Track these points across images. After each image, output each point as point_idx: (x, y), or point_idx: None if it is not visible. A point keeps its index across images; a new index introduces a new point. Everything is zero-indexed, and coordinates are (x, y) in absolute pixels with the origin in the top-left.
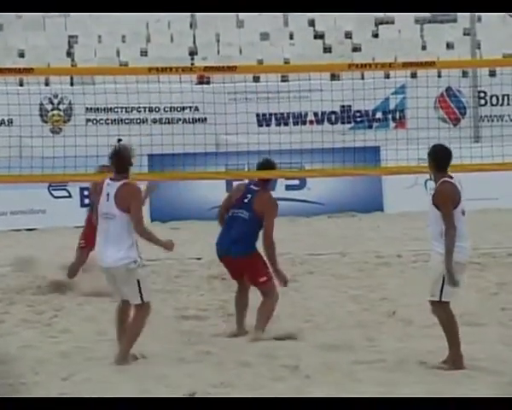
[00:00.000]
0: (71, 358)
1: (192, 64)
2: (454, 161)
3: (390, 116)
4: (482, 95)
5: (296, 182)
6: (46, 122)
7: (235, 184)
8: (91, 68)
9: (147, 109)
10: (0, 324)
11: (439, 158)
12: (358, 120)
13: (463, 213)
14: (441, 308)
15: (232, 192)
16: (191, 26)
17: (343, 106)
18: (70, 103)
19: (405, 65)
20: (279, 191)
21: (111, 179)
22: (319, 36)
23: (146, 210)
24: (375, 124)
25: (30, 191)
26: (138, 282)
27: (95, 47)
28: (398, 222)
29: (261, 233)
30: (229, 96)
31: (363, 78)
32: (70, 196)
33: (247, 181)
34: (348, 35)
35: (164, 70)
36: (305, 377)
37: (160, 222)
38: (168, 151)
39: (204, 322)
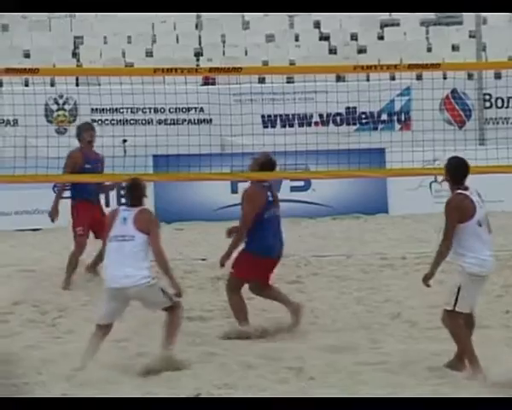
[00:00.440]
0: (74, 358)
1: (197, 65)
2: None
3: (395, 118)
4: (487, 97)
5: (301, 183)
6: (51, 122)
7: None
8: (97, 69)
9: (152, 110)
10: (4, 324)
11: (455, 171)
12: (364, 121)
13: (480, 224)
14: (450, 318)
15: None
16: (197, 27)
17: (348, 107)
18: (75, 104)
19: (411, 67)
20: (284, 193)
21: (126, 206)
22: (325, 38)
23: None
24: (380, 126)
25: (35, 192)
26: (162, 289)
27: (100, 48)
28: (402, 224)
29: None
30: (235, 97)
31: (368, 79)
32: None
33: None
34: (354, 37)
35: (169, 71)
36: (309, 378)
37: (164, 223)
38: (173, 152)
39: (208, 323)
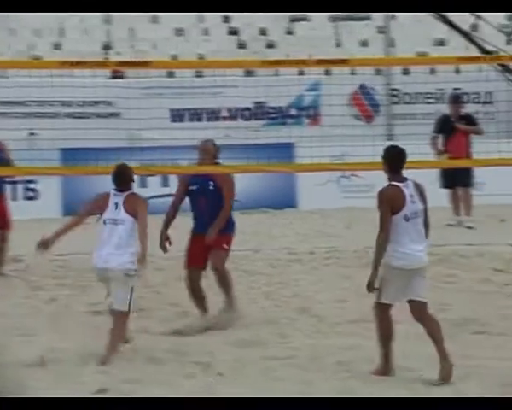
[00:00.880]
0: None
1: (106, 59)
2: (366, 160)
3: (304, 113)
4: (395, 93)
5: None
6: None
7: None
8: (4, 62)
9: (60, 103)
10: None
11: (391, 161)
12: (272, 116)
13: (407, 218)
14: (378, 309)
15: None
16: (105, 20)
17: (257, 102)
18: None
19: (319, 62)
20: None
21: (116, 190)
22: (234, 32)
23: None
24: (289, 121)
25: None
26: (131, 290)
27: (8, 41)
28: (310, 219)
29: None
30: (143, 91)
31: (277, 74)
32: None
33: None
34: (263, 31)
35: (77, 64)
36: (217, 374)
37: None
38: (81, 146)
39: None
